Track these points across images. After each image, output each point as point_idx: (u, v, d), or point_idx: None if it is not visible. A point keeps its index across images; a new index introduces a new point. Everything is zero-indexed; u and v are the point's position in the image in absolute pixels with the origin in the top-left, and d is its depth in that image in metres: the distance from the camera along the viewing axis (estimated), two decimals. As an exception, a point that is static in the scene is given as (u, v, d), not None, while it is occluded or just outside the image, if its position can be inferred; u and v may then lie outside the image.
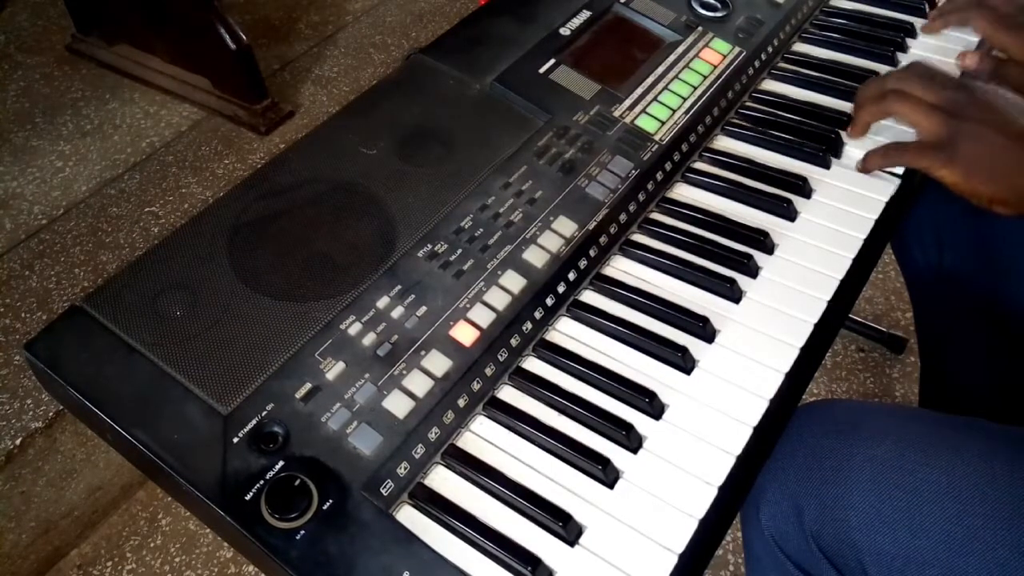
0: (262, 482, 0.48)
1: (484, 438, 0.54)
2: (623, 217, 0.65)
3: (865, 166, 0.69)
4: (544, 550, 0.48)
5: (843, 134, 0.73)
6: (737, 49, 0.78)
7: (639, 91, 0.73)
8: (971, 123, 0.61)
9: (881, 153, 0.67)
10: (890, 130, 0.71)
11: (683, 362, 0.57)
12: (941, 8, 0.80)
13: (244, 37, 1.52)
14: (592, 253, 0.63)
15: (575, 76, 0.72)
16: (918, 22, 0.84)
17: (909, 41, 0.82)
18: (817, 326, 0.60)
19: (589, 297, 0.62)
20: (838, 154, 0.72)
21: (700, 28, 0.79)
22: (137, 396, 0.52)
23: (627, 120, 0.70)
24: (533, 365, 0.58)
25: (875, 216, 0.67)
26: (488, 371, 0.56)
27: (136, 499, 1.20)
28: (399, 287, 0.57)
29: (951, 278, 0.81)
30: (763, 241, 0.64)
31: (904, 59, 0.80)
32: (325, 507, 0.48)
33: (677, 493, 0.51)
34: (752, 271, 0.63)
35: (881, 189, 0.69)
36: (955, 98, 0.63)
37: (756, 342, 0.59)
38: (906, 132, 0.70)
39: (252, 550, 0.48)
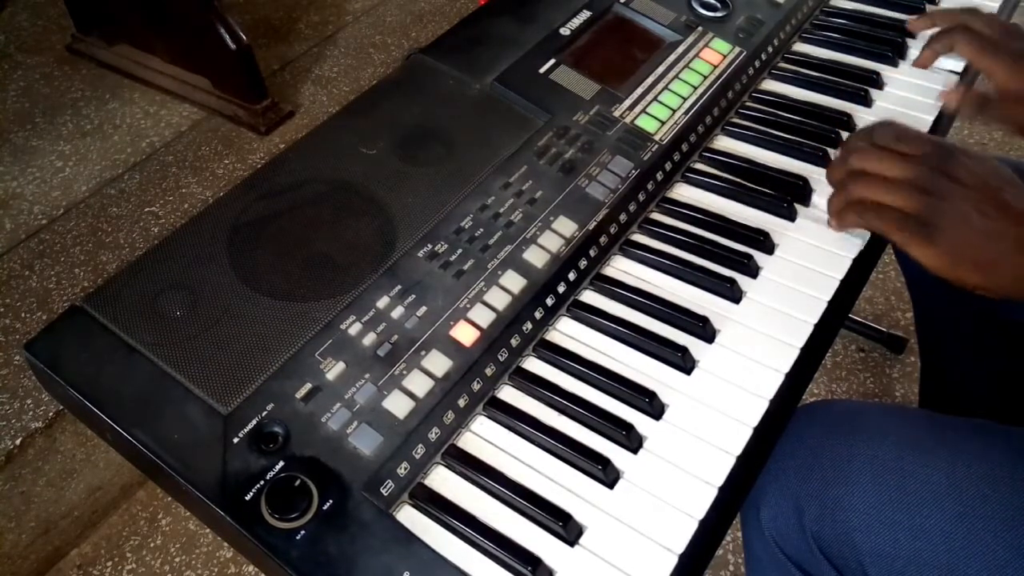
0: (262, 482, 0.48)
1: (484, 438, 0.54)
2: (623, 217, 0.65)
3: (835, 224, 0.63)
4: (544, 550, 0.48)
5: (843, 134, 0.73)
6: (737, 49, 0.78)
7: (639, 91, 0.73)
8: (952, 202, 0.56)
9: (856, 212, 0.60)
10: None
11: (683, 362, 0.57)
12: (930, 40, 0.77)
13: (244, 37, 1.52)
14: (592, 253, 0.63)
15: (575, 76, 0.72)
16: (918, 22, 0.84)
17: (909, 41, 0.82)
18: (817, 326, 0.60)
19: (589, 297, 0.62)
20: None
21: (700, 28, 0.79)
22: (137, 396, 0.52)
23: (627, 120, 0.70)
24: (533, 365, 0.58)
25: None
26: (488, 371, 0.56)
27: (136, 499, 1.20)
28: (399, 287, 0.57)
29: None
30: (763, 241, 0.64)
31: (903, 64, 0.80)
32: (325, 507, 0.48)
33: (677, 493, 0.51)
34: (752, 271, 0.63)
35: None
36: (931, 174, 0.57)
37: (756, 342, 0.59)
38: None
39: (252, 550, 0.47)
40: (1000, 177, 0.57)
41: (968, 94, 0.70)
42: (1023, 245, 0.54)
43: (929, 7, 0.86)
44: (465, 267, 0.59)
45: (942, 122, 0.75)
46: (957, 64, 0.78)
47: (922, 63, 0.78)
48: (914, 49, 0.81)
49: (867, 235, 0.65)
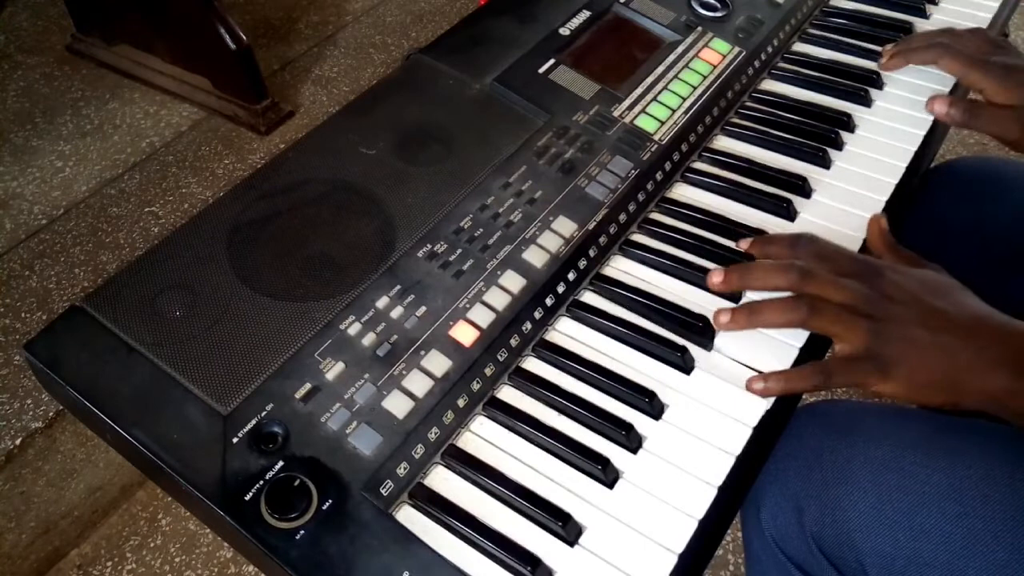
0: (262, 482, 0.48)
1: (484, 438, 0.54)
2: (623, 217, 0.65)
3: (762, 388, 0.55)
4: (544, 550, 0.48)
5: (843, 134, 0.73)
6: (737, 49, 0.78)
7: (639, 91, 0.73)
8: (894, 324, 0.52)
9: (784, 379, 0.55)
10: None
11: (683, 362, 0.57)
12: (901, 45, 0.76)
13: (244, 37, 1.52)
14: (592, 253, 0.63)
15: (575, 76, 0.72)
16: (918, 22, 0.84)
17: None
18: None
19: (589, 297, 0.62)
20: (840, 148, 0.72)
21: (700, 28, 0.79)
22: (137, 396, 0.52)
23: (627, 120, 0.70)
24: (533, 365, 0.58)
25: (875, 216, 0.67)
26: (488, 371, 0.56)
27: (136, 499, 1.20)
28: (399, 287, 0.57)
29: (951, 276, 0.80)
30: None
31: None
32: (325, 507, 0.48)
33: (677, 493, 0.51)
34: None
35: (880, 189, 0.69)
36: (869, 295, 0.53)
37: (757, 342, 0.59)
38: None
39: (252, 550, 0.48)
40: (933, 286, 0.55)
41: (957, 101, 0.70)
42: (976, 357, 0.51)
43: (931, 7, 0.86)
44: (465, 267, 0.59)
45: (938, 129, 0.75)
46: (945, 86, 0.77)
47: (891, 66, 0.76)
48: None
49: (863, 234, 0.65)
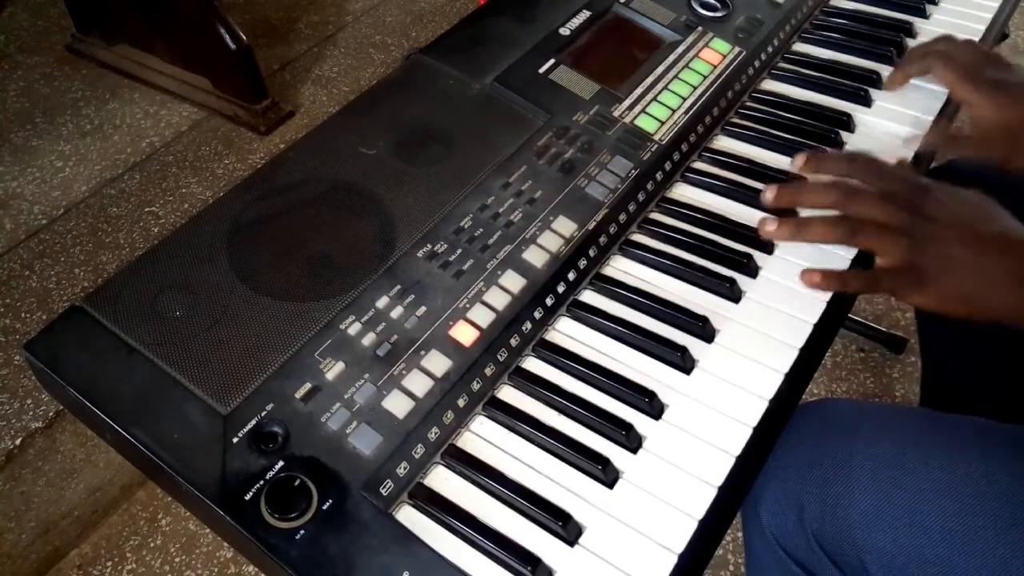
0: (262, 482, 0.48)
1: (484, 438, 0.54)
2: (623, 217, 0.65)
3: (818, 279, 0.60)
4: (544, 550, 0.48)
5: (843, 134, 0.73)
6: (737, 49, 0.78)
7: (639, 91, 0.73)
8: (933, 241, 0.56)
9: (837, 277, 0.60)
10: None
11: (683, 362, 0.57)
12: (904, 60, 0.77)
13: (244, 37, 1.52)
14: (592, 253, 0.63)
15: (575, 76, 0.72)
16: (918, 22, 0.84)
17: (908, 41, 0.82)
18: (817, 326, 0.60)
19: (589, 297, 0.62)
20: (840, 148, 0.72)
21: (700, 28, 0.79)
22: (137, 396, 0.52)
23: (627, 120, 0.70)
24: (533, 365, 0.58)
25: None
26: (488, 371, 0.56)
27: (136, 499, 1.20)
28: (399, 287, 0.57)
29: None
30: (763, 241, 0.64)
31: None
32: (325, 507, 0.48)
33: (677, 493, 0.51)
34: (752, 271, 0.63)
35: (881, 189, 0.69)
36: (910, 214, 0.57)
37: (756, 342, 0.59)
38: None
39: (252, 550, 0.48)
40: (973, 208, 0.58)
41: (940, 130, 0.70)
42: (1004, 275, 0.55)
43: (931, 7, 0.86)
44: (465, 267, 0.59)
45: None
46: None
47: (895, 84, 0.76)
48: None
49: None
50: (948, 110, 0.76)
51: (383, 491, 0.49)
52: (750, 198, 0.68)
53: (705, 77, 0.75)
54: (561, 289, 0.61)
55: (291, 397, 0.52)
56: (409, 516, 0.50)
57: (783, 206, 0.63)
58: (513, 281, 0.59)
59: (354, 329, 0.55)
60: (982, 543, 0.51)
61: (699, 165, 0.72)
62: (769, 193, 0.62)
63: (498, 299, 0.58)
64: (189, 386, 0.52)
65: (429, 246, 0.60)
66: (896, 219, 0.57)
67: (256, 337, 0.54)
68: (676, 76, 0.74)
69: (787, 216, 0.62)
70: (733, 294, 0.61)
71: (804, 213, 0.62)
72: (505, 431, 0.54)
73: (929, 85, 0.77)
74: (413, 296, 0.57)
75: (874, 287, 0.59)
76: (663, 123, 0.71)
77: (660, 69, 0.75)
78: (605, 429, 0.54)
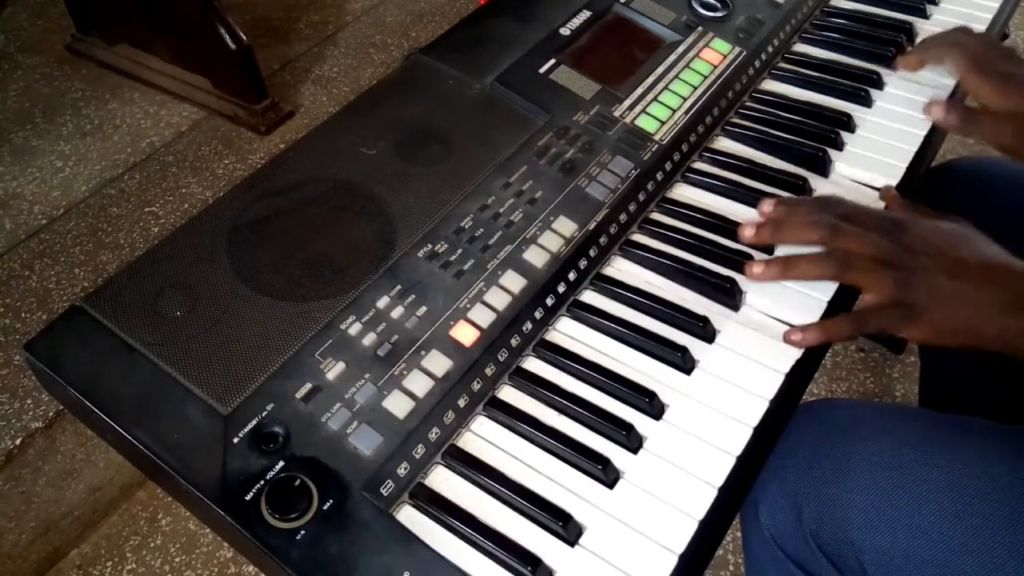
0: (262, 482, 0.48)
1: (484, 438, 0.54)
2: (623, 217, 0.65)
3: (800, 339, 0.58)
4: (544, 550, 0.48)
5: (843, 134, 0.73)
6: (737, 49, 0.78)
7: (639, 91, 0.73)
8: (919, 274, 0.55)
9: (821, 329, 0.58)
10: None
11: (683, 362, 0.57)
12: (920, 45, 0.78)
13: (244, 37, 1.52)
14: (592, 253, 0.63)
15: (575, 76, 0.72)
16: (918, 22, 0.84)
17: (908, 41, 0.82)
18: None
19: (589, 297, 0.62)
20: (840, 148, 0.72)
21: (700, 28, 0.79)
22: (137, 396, 0.52)
23: (627, 120, 0.70)
24: (533, 365, 0.58)
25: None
26: (488, 371, 0.56)
27: (136, 499, 1.19)
28: (399, 287, 0.57)
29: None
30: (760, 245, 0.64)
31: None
32: (325, 507, 0.48)
33: (677, 493, 0.51)
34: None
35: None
36: (894, 247, 0.56)
37: (756, 342, 0.59)
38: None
39: (252, 550, 0.48)
40: (955, 237, 0.57)
41: (954, 107, 0.70)
42: (993, 303, 0.54)
43: (931, 7, 0.86)
44: (465, 267, 0.59)
45: (938, 129, 0.75)
46: (947, 85, 0.77)
47: (908, 66, 0.78)
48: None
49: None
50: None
51: (384, 491, 0.49)
52: (750, 198, 0.68)
53: (705, 77, 0.75)
54: (561, 289, 0.61)
55: (292, 397, 0.52)
56: (409, 516, 0.50)
57: (764, 243, 0.62)
58: (514, 281, 0.59)
59: (355, 329, 0.55)
60: (980, 544, 0.51)
61: (699, 165, 0.72)
62: (748, 230, 0.60)
63: (498, 299, 0.58)
64: (189, 386, 0.52)
65: (429, 246, 0.60)
66: (883, 252, 0.56)
67: (257, 337, 0.54)
68: (676, 76, 0.74)
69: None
70: (733, 295, 0.61)
71: (781, 250, 0.62)
72: (505, 431, 0.55)
73: (930, 86, 0.77)
74: (414, 296, 0.57)
75: (863, 328, 0.57)
76: (663, 123, 0.71)
77: (660, 69, 0.75)
78: (605, 429, 0.54)
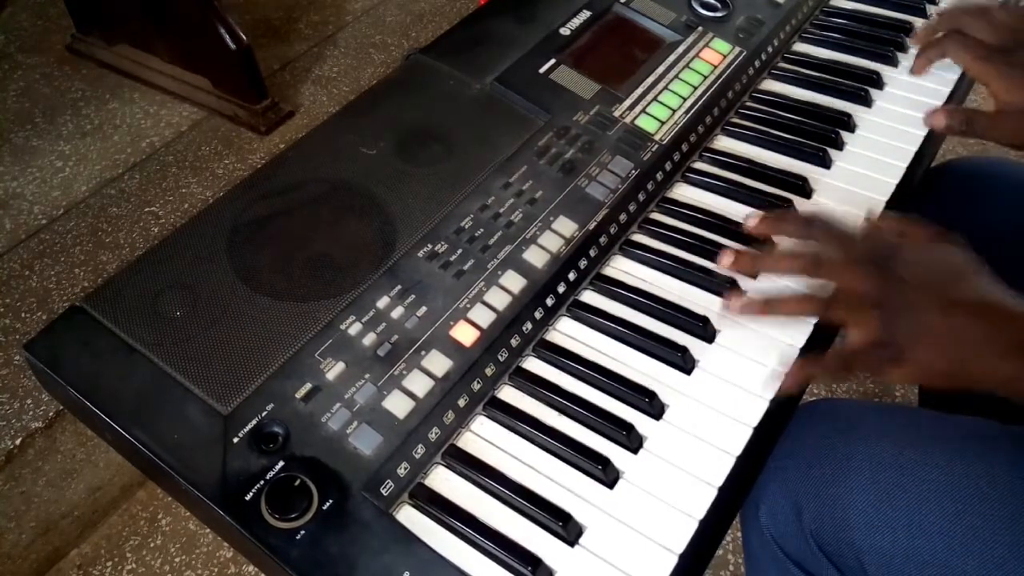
0: (262, 482, 0.48)
1: (484, 438, 0.54)
2: (623, 217, 0.65)
3: (791, 382, 0.56)
4: (544, 550, 0.48)
5: (843, 134, 0.73)
6: (737, 49, 0.78)
7: (639, 91, 0.73)
8: (906, 312, 0.52)
9: (803, 371, 0.56)
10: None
11: (683, 362, 0.57)
12: (921, 39, 0.77)
13: (244, 37, 1.52)
14: (592, 253, 0.63)
15: (575, 76, 0.72)
16: (918, 22, 0.84)
17: (909, 41, 0.82)
18: (817, 326, 0.60)
19: (589, 297, 0.62)
20: (841, 147, 0.72)
21: (700, 28, 0.79)
22: (137, 396, 0.52)
23: (627, 120, 0.70)
24: (533, 365, 0.58)
25: (875, 216, 0.67)
26: (488, 371, 0.56)
27: (136, 499, 1.19)
28: (399, 287, 0.57)
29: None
30: (763, 240, 0.64)
31: (903, 63, 0.80)
32: (325, 507, 0.48)
33: (677, 493, 0.51)
34: (752, 276, 0.63)
35: (881, 189, 0.69)
36: (881, 280, 0.53)
37: (757, 342, 0.59)
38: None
39: (252, 550, 0.48)
40: (946, 268, 0.54)
41: (953, 112, 0.70)
42: (986, 344, 0.51)
43: (931, 7, 0.86)
44: (465, 267, 0.59)
45: (934, 135, 0.75)
46: (952, 73, 0.77)
47: (916, 70, 0.77)
48: (915, 49, 0.81)
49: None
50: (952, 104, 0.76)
51: (384, 491, 0.49)
52: (750, 198, 0.68)
53: (705, 77, 0.75)
54: (561, 289, 0.61)
55: (292, 397, 0.52)
56: (409, 516, 0.50)
57: (743, 272, 0.61)
58: (514, 281, 0.59)
59: (355, 329, 0.55)
60: (980, 543, 0.51)
61: (699, 165, 0.72)
62: (725, 259, 0.59)
63: (499, 299, 0.58)
64: (189, 386, 0.52)
65: (429, 246, 0.60)
66: (866, 287, 0.53)
67: (256, 337, 0.54)
68: (676, 76, 0.74)
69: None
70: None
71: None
72: (505, 431, 0.54)
73: (931, 84, 0.77)
74: (414, 296, 0.57)
75: (848, 370, 0.55)
76: (663, 123, 0.71)
77: (660, 69, 0.75)
78: (605, 429, 0.54)
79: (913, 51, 0.80)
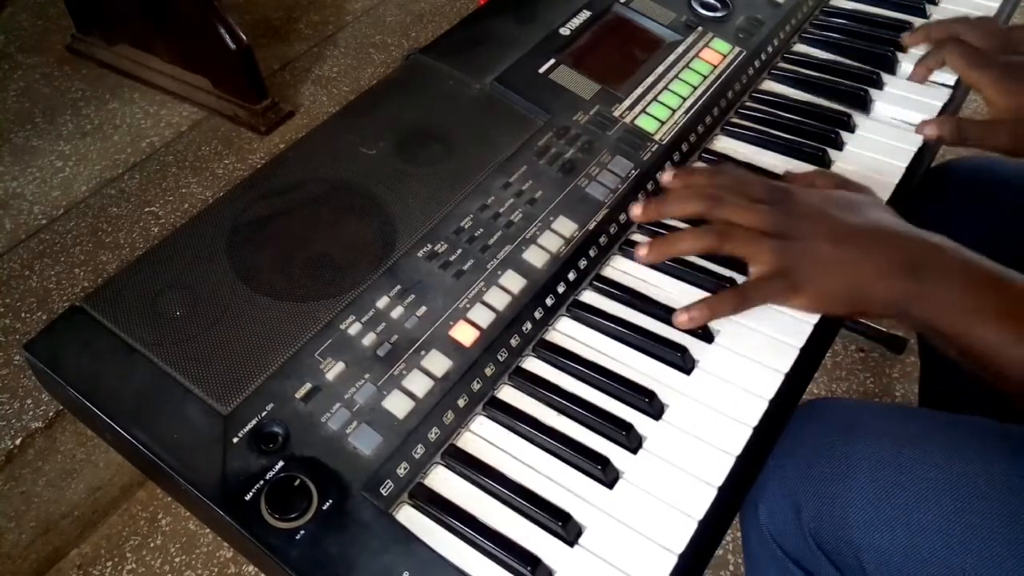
0: (262, 482, 0.48)
1: (484, 438, 0.54)
2: (623, 217, 0.65)
3: (687, 319, 0.58)
4: (544, 550, 0.48)
5: (843, 134, 0.73)
6: (737, 49, 0.78)
7: (639, 91, 0.73)
8: (801, 241, 0.55)
9: (706, 307, 0.57)
10: None
11: (683, 362, 0.57)
12: (915, 41, 0.78)
13: (244, 37, 1.52)
14: (592, 253, 0.63)
15: (575, 76, 0.72)
16: (918, 22, 0.84)
17: (902, 40, 0.82)
18: (817, 326, 0.60)
19: (589, 297, 0.62)
20: (840, 148, 0.72)
21: (700, 28, 0.79)
22: (137, 396, 0.52)
23: (627, 120, 0.70)
24: (533, 365, 0.58)
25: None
26: (488, 371, 0.56)
27: (136, 499, 1.20)
28: (399, 287, 0.57)
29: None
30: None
31: (904, 60, 0.80)
32: (325, 507, 0.48)
33: (677, 493, 0.51)
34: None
35: (881, 189, 0.69)
36: (777, 216, 0.57)
37: (756, 342, 0.59)
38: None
39: (252, 550, 0.48)
40: (840, 202, 0.57)
41: (946, 121, 0.70)
42: (877, 267, 0.54)
43: (931, 7, 0.86)
44: (465, 267, 0.59)
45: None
46: (949, 77, 0.77)
47: (916, 78, 0.77)
48: (914, 49, 0.81)
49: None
50: (950, 108, 0.76)
51: (383, 491, 0.49)
52: (750, 198, 0.68)
53: (705, 77, 0.75)
54: (561, 289, 0.61)
55: (291, 397, 0.52)
56: (409, 516, 0.50)
57: (651, 219, 0.64)
58: (513, 281, 0.59)
59: (354, 329, 0.55)
60: (978, 541, 0.51)
61: (700, 165, 0.72)
62: (636, 209, 0.62)
63: (498, 299, 0.58)
64: (189, 386, 0.52)
65: (429, 246, 0.60)
66: (763, 221, 0.56)
67: (256, 337, 0.54)
68: (676, 76, 0.74)
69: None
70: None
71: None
72: (505, 431, 0.55)
73: (930, 84, 0.77)
74: (413, 296, 0.57)
75: (747, 302, 0.57)
76: (663, 123, 0.71)
77: (660, 69, 0.75)
78: (605, 429, 0.54)
79: (913, 51, 0.80)
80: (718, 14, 0.80)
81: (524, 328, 0.58)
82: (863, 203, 0.58)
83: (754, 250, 0.57)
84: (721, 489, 0.51)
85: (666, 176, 0.63)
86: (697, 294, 0.62)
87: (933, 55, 0.74)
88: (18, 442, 1.12)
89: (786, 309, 0.60)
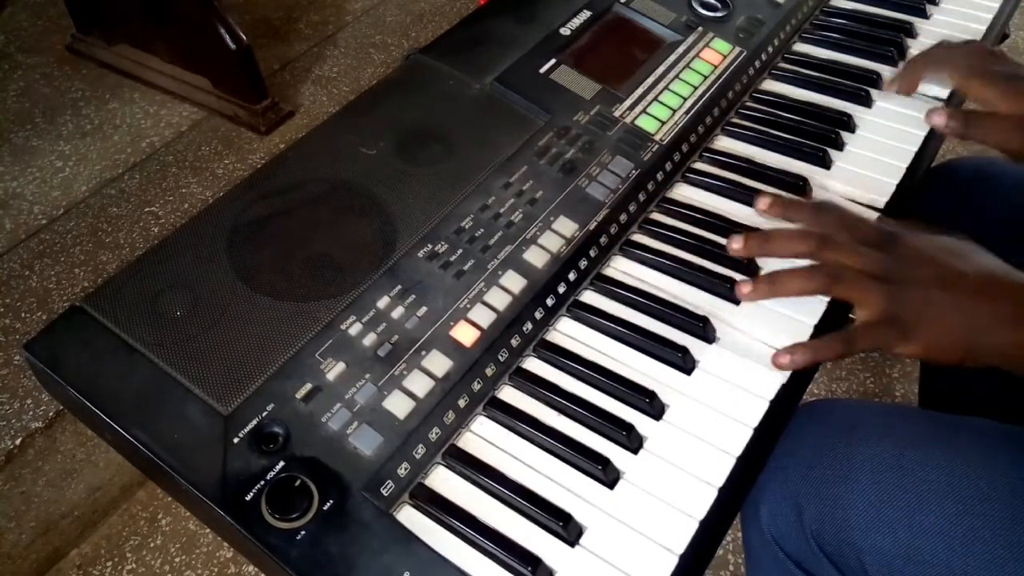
0: (262, 482, 0.48)
1: (484, 438, 0.54)
2: (623, 217, 0.65)
3: (788, 361, 0.56)
4: (544, 550, 0.48)
5: (843, 134, 0.73)
6: (737, 49, 0.78)
7: (639, 91, 0.73)
8: (912, 287, 0.53)
9: (810, 350, 0.56)
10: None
11: (683, 362, 0.57)
12: (906, 72, 0.75)
13: (244, 37, 1.52)
14: (592, 253, 0.63)
15: (575, 76, 0.72)
16: (918, 22, 0.84)
17: (909, 41, 0.82)
18: (817, 327, 0.60)
19: (589, 297, 0.62)
20: (841, 148, 0.72)
21: (700, 28, 0.79)
22: (137, 396, 0.52)
23: (627, 120, 0.70)
24: (533, 365, 0.58)
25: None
26: (488, 371, 0.56)
27: (136, 499, 1.19)
28: (399, 287, 0.57)
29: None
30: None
31: (903, 64, 0.80)
32: (325, 507, 0.48)
33: (678, 494, 0.51)
34: (752, 271, 0.63)
35: (881, 189, 0.69)
36: (887, 261, 0.54)
37: (757, 342, 0.59)
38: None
39: (252, 550, 0.48)
40: (949, 248, 0.55)
41: (955, 113, 0.69)
42: (990, 317, 0.52)
43: (931, 7, 0.86)
44: (465, 267, 0.59)
45: (935, 135, 0.75)
46: (941, 92, 0.76)
47: (904, 89, 0.75)
48: (914, 50, 0.81)
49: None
50: (953, 102, 0.76)
51: (384, 491, 0.49)
52: (750, 198, 0.68)
53: (706, 77, 0.75)
54: (562, 289, 0.61)
55: (292, 397, 0.52)
56: (410, 516, 0.50)
57: (752, 256, 0.62)
58: (514, 281, 0.59)
59: (355, 329, 0.55)
60: (980, 544, 0.51)
61: (700, 165, 0.72)
62: (735, 243, 0.59)
63: (499, 299, 0.58)
64: (190, 386, 0.52)
65: (430, 246, 0.60)
66: (873, 265, 0.54)
67: (257, 337, 0.54)
68: (677, 76, 0.74)
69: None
70: (734, 294, 0.61)
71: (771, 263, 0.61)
72: (506, 431, 0.54)
73: (931, 85, 0.77)
74: (414, 296, 0.57)
75: (853, 348, 0.55)
76: (664, 123, 0.71)
77: (661, 69, 0.75)
78: (606, 429, 0.54)
79: (913, 51, 0.80)
80: (718, 14, 0.80)
81: (525, 328, 0.58)
82: (969, 249, 0.56)
83: (864, 295, 0.54)
84: (722, 490, 0.51)
85: (763, 202, 0.60)
86: (697, 294, 0.62)
87: (927, 69, 0.72)
88: (18, 442, 1.12)
89: (785, 309, 0.60)
